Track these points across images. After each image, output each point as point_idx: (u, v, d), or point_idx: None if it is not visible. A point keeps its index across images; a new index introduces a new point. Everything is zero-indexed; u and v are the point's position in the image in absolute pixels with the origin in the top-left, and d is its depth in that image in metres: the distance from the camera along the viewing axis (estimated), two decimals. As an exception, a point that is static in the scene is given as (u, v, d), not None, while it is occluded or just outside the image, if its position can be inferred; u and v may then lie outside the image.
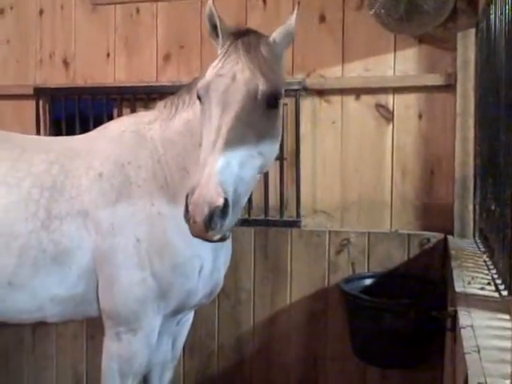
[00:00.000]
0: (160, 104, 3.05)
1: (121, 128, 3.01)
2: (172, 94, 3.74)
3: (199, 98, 2.45)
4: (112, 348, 2.84)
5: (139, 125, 2.99)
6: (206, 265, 2.90)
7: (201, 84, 2.42)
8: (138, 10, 4.17)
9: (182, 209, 2.48)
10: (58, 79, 4.22)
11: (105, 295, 2.80)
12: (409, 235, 3.70)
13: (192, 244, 2.77)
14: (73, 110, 4.04)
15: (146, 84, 4.03)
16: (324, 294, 3.81)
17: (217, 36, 2.53)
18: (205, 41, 4.03)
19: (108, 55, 4.17)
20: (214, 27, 2.53)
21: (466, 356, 1.67)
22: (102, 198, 2.82)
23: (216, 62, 2.45)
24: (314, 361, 3.89)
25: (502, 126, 2.48)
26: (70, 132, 3.82)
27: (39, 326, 4.07)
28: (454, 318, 2.27)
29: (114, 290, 2.77)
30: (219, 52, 2.49)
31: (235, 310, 3.96)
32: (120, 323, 2.80)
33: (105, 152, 2.94)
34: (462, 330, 1.92)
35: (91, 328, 4.12)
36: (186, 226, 2.68)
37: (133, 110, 3.96)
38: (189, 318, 3.27)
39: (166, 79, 4.07)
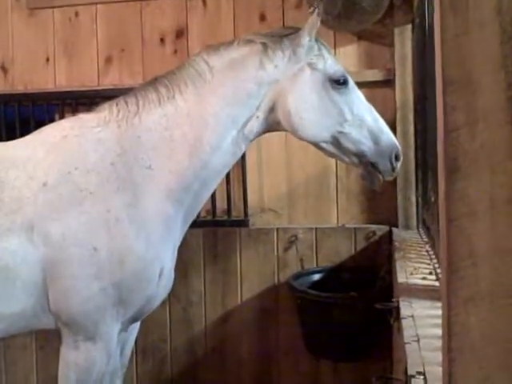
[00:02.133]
0: (107, 105, 2.91)
1: (61, 133, 2.86)
2: (115, 97, 3.75)
3: (345, 81, 2.80)
4: (70, 357, 2.74)
5: (83, 128, 2.85)
6: (166, 266, 2.85)
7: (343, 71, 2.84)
8: (76, 14, 4.12)
9: (143, 210, 2.66)
10: (-4, 85, 4.14)
11: (59, 307, 2.69)
12: (355, 229, 3.77)
13: (153, 247, 2.74)
14: (13, 117, 3.97)
15: (87, 88, 3.99)
16: (274, 291, 3.85)
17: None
18: (146, 43, 4.01)
19: (48, 60, 4.11)
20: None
21: (406, 346, 1.72)
22: (50, 209, 2.68)
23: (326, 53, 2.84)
24: (267, 357, 3.92)
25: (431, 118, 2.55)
26: (12, 139, 3.74)
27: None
28: (397, 308, 2.33)
29: (72, 301, 2.67)
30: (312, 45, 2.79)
31: (186, 312, 3.96)
32: (78, 332, 2.70)
33: (46, 160, 2.78)
34: (402, 320, 1.97)
35: (41, 338, 4.06)
36: (147, 229, 2.71)
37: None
38: (137, 324, 3.23)
39: (108, 82, 4.03)
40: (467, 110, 0.98)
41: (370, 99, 3.73)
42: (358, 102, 2.86)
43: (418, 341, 1.74)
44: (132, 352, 3.89)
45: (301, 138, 2.86)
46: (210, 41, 3.87)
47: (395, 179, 3.63)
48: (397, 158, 2.81)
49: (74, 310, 2.68)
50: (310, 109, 2.78)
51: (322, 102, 2.78)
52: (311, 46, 2.80)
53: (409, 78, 3.62)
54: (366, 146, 2.78)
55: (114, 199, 2.71)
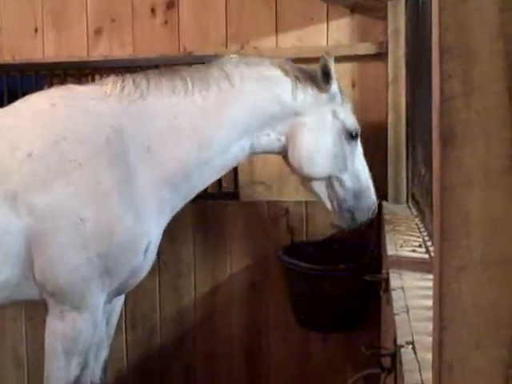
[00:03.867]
0: (110, 80, 2.93)
1: (49, 101, 2.83)
2: (105, 68, 3.73)
3: (356, 135, 3.05)
4: (56, 327, 2.76)
5: (75, 99, 2.84)
6: (153, 242, 2.89)
7: (358, 126, 3.08)
8: (66, -17, 4.05)
9: (135, 187, 2.70)
10: (-16, 56, 4.07)
11: (46, 277, 2.70)
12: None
13: (142, 223, 2.77)
14: (1, 87, 3.92)
15: (77, 59, 3.93)
16: (264, 264, 3.87)
17: (327, 81, 2.98)
18: (136, 14, 3.96)
19: (36, 30, 4.04)
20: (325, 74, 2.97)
21: (396, 317, 1.73)
22: (35, 180, 2.66)
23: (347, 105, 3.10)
24: (257, 330, 3.95)
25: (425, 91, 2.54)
26: (0, 109, 3.71)
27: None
28: (387, 280, 2.34)
29: (58, 271, 2.68)
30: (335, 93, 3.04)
31: (176, 282, 3.97)
32: (64, 302, 2.72)
33: (31, 128, 2.76)
34: (392, 291, 1.98)
35: (30, 309, 4.06)
36: (137, 206, 2.71)
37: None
38: (121, 296, 3.24)
39: (98, 54, 3.98)
40: (464, 79, 0.97)
41: (362, 72, 3.75)
42: (360, 157, 3.12)
43: (408, 311, 1.76)
44: (122, 322, 3.94)
45: (299, 172, 3.07)
46: (201, 12, 3.85)
47: (386, 153, 3.66)
48: (373, 212, 3.16)
49: (60, 279, 2.69)
50: (322, 150, 3.01)
51: (333, 147, 3.02)
52: (336, 94, 3.04)
53: (401, 52, 3.60)
54: (352, 195, 3.07)
55: (106, 172, 2.70)
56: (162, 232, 2.98)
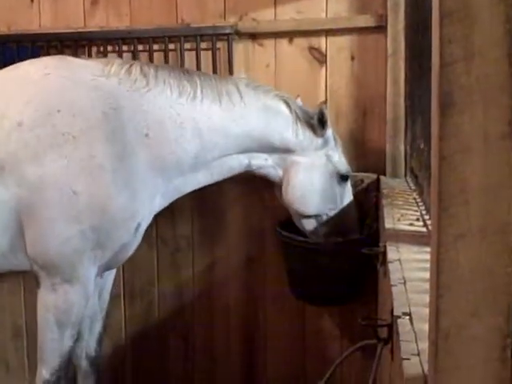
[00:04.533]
0: (116, 61, 2.97)
1: (43, 70, 2.79)
2: (102, 39, 3.69)
3: (347, 177, 3.31)
4: (48, 299, 2.78)
5: (72, 71, 2.81)
6: (143, 224, 2.93)
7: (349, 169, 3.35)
8: (61, -49, 3.98)
9: (130, 167, 2.75)
10: (-21, 26, 4.01)
11: (37, 249, 2.71)
12: (343, 177, 3.76)
13: (136, 202, 2.78)
14: (-3, 59, 3.88)
15: (73, 30, 3.89)
16: (262, 238, 3.86)
17: (323, 127, 3.19)
18: (133, -17, 3.91)
19: (32, 0, 3.98)
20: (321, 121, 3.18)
21: (393, 288, 1.74)
22: (25, 151, 2.63)
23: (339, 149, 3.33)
24: (254, 302, 3.96)
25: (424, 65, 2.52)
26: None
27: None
28: (384, 253, 2.34)
29: (49, 243, 2.69)
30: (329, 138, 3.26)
31: (174, 256, 3.97)
32: (55, 274, 2.73)
33: (21, 97, 2.71)
34: (389, 264, 1.99)
35: (29, 282, 4.06)
36: (131, 184, 2.72)
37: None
38: (113, 270, 3.27)
39: (94, 25, 3.92)
40: (464, 44, 0.96)
41: (361, 46, 3.71)
42: (349, 194, 3.36)
43: (405, 283, 1.76)
44: (120, 295, 3.96)
45: (291, 208, 3.28)
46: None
47: (384, 127, 3.64)
48: None
49: (51, 251, 2.70)
50: (314, 191, 3.21)
51: (325, 188, 3.24)
52: (330, 139, 3.25)
53: (401, 25, 3.55)
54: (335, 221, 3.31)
55: (100, 147, 2.69)
56: (151, 217, 3.03)
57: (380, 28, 3.62)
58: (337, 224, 3.29)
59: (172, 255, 3.98)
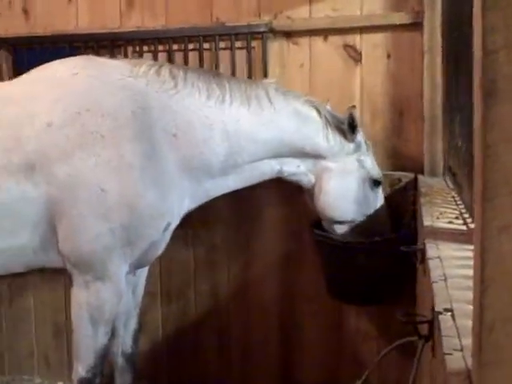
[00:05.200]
0: (144, 62, 2.99)
1: (71, 70, 2.84)
2: (138, 39, 3.72)
3: (380, 183, 3.27)
4: (81, 296, 2.82)
5: (100, 71, 2.85)
6: (172, 224, 2.96)
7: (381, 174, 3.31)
8: (98, -46, 4.03)
9: (159, 166, 2.76)
10: (18, 28, 4.06)
11: (67, 246, 2.75)
12: (380, 176, 3.72)
13: (165, 201, 2.80)
14: (36, 60, 3.93)
15: (109, 30, 3.93)
16: (298, 236, 3.84)
17: (353, 132, 3.15)
18: (169, -16, 3.93)
19: (69, 1, 4.03)
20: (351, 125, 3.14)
21: (434, 285, 1.71)
22: (54, 150, 2.67)
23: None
24: (291, 301, 3.94)
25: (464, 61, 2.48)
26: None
27: (15, 279, 4.05)
28: (423, 251, 2.31)
29: (79, 240, 2.73)
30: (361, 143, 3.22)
31: (210, 255, 3.98)
32: (87, 271, 2.77)
33: (50, 97, 2.75)
34: (429, 261, 1.96)
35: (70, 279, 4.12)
36: (160, 183, 2.74)
37: (98, 59, 3.86)
38: (145, 268, 3.29)
39: (130, 25, 3.96)
40: (506, 32, 0.94)
41: (397, 43, 3.68)
42: (381, 199, 3.32)
43: (446, 280, 1.73)
44: (157, 295, 3.98)
45: (323, 215, 3.26)
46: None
47: (422, 126, 3.60)
48: None
49: (81, 248, 2.74)
50: (347, 196, 3.20)
51: (358, 194, 3.21)
52: (361, 144, 3.20)
53: (438, 21, 3.51)
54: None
55: (129, 146, 2.73)
56: (180, 218, 3.03)
57: (416, 25, 3.58)
58: (367, 228, 3.26)
59: (208, 255, 3.99)
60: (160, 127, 2.80)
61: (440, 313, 1.47)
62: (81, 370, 2.89)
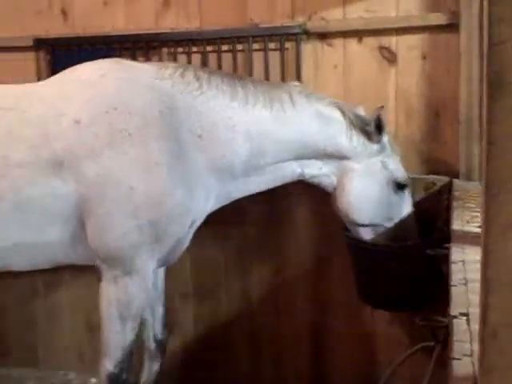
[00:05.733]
0: (170, 65, 3.03)
1: (99, 72, 2.89)
2: (173, 41, 3.74)
3: (404, 186, 3.17)
4: (110, 292, 2.86)
5: (128, 73, 2.91)
6: (197, 221, 2.99)
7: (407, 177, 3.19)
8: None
9: (186, 165, 2.79)
10: (57, 29, 4.11)
11: (96, 242, 2.79)
12: (414, 179, 3.64)
13: (192, 199, 2.83)
14: (74, 61, 3.98)
15: (145, 32, 3.96)
16: (331, 240, 3.79)
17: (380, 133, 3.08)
18: (203, -15, 3.93)
19: (105, 3, 4.07)
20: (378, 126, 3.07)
21: (452, 288, 1.67)
22: (82, 148, 2.71)
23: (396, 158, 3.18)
24: (323, 306, 3.91)
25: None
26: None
27: (50, 276, 4.11)
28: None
29: (109, 237, 2.76)
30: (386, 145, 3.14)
31: (242, 258, 3.97)
32: (115, 267, 2.81)
33: (79, 96, 2.80)
34: (452, 264, 1.91)
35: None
36: (187, 181, 2.77)
37: (134, 59, 3.89)
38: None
39: (165, 26, 3.98)
40: (514, 22, 0.90)
41: (433, 44, 3.60)
42: (407, 205, 3.22)
43: (466, 284, 1.69)
44: (188, 295, 4.00)
45: (345, 216, 3.19)
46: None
47: (458, 128, 3.52)
48: None
49: (110, 245, 2.78)
50: (368, 197, 3.13)
51: (381, 197, 3.13)
52: (386, 146, 3.13)
53: (475, 22, 3.42)
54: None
55: (157, 144, 2.76)
56: (204, 216, 3.05)
57: (452, 26, 3.50)
58: (394, 232, 3.20)
59: (240, 257, 3.98)
60: (186, 128, 2.84)
61: (455, 317, 1.43)
62: (109, 365, 2.92)
